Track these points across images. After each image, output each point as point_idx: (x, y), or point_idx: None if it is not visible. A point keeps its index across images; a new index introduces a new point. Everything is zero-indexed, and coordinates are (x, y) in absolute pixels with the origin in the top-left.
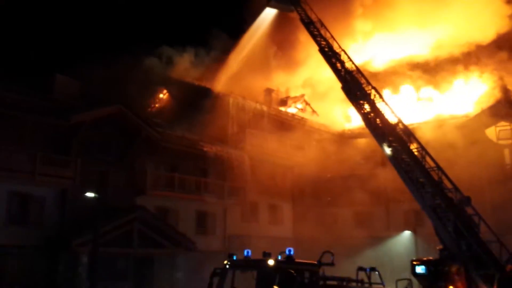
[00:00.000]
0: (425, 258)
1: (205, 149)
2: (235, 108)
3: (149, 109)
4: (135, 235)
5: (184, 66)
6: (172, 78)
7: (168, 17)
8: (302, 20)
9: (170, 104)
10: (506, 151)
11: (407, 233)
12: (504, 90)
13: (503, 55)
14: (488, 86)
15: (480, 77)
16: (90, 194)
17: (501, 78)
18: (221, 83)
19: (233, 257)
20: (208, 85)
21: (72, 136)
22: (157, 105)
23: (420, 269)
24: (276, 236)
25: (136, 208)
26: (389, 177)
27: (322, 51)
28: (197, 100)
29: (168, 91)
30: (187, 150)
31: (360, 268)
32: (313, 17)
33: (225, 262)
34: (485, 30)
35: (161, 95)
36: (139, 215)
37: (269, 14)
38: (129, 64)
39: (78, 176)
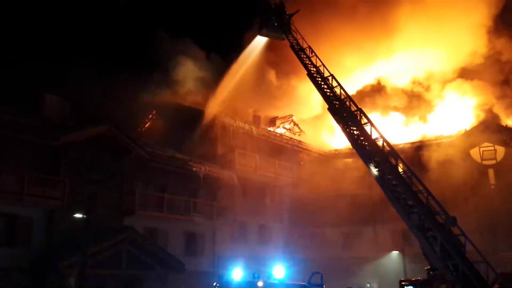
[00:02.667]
0: (413, 278)
1: (194, 169)
2: (224, 129)
3: (139, 129)
4: (124, 257)
5: (176, 87)
6: (162, 99)
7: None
8: (293, 47)
9: (160, 124)
10: (491, 172)
11: (395, 253)
12: (488, 111)
13: (486, 77)
14: (472, 107)
15: (464, 98)
16: (78, 215)
17: (486, 104)
18: (211, 105)
19: (222, 278)
20: (198, 106)
21: (61, 156)
22: (147, 125)
23: None
24: (266, 257)
25: (124, 229)
26: (376, 197)
27: (310, 75)
28: (187, 121)
29: (158, 112)
30: (177, 170)
31: None
32: (303, 44)
33: (214, 283)
34: (469, 55)
35: (151, 115)
36: (127, 236)
37: (260, 41)
38: (119, 84)
39: (66, 197)
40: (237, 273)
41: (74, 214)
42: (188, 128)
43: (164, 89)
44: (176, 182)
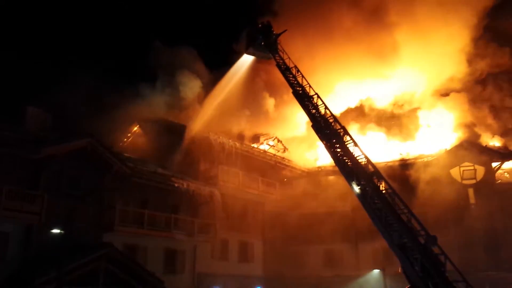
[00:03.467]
0: None
1: (176, 185)
2: (208, 145)
3: (121, 144)
4: (102, 274)
5: (159, 102)
6: (145, 114)
7: (145, 54)
8: (279, 66)
9: (143, 140)
10: (470, 191)
11: (376, 272)
12: (468, 132)
13: (468, 100)
14: (452, 128)
15: (446, 119)
16: (56, 230)
17: (467, 125)
18: (195, 120)
19: None
20: (181, 122)
21: (41, 170)
22: (129, 140)
23: None
24: (246, 275)
25: (103, 245)
26: (358, 215)
27: (295, 93)
28: (170, 136)
29: (141, 126)
30: (159, 185)
31: None
32: (290, 64)
33: None
34: (450, 78)
35: (133, 130)
36: (106, 253)
37: (247, 60)
38: (103, 97)
39: (44, 211)
40: None
41: (52, 229)
42: (171, 144)
43: (148, 104)
44: (158, 198)
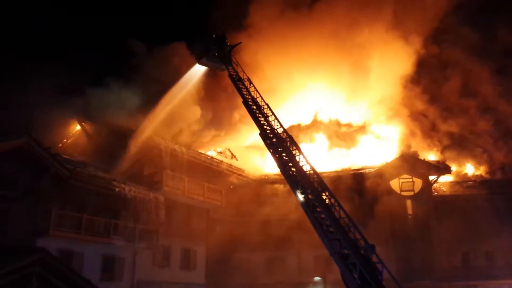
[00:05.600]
0: None
1: (117, 189)
2: (153, 149)
3: (61, 145)
4: (34, 280)
5: (103, 103)
6: (88, 115)
7: (93, 52)
8: (231, 77)
9: (84, 141)
10: (408, 202)
11: (317, 279)
12: (407, 146)
13: (410, 115)
14: (392, 141)
15: (389, 134)
16: None
17: (407, 140)
18: (140, 124)
19: None
20: (128, 126)
21: None
22: (69, 141)
23: None
24: (188, 282)
25: (37, 250)
26: (301, 223)
27: (245, 103)
28: (113, 139)
29: (83, 127)
30: (99, 189)
31: None
32: (243, 76)
33: None
34: (391, 98)
35: (75, 131)
36: (39, 258)
37: (199, 69)
38: (43, 95)
39: None
40: None
41: None
42: (115, 147)
43: (94, 105)
44: (98, 202)
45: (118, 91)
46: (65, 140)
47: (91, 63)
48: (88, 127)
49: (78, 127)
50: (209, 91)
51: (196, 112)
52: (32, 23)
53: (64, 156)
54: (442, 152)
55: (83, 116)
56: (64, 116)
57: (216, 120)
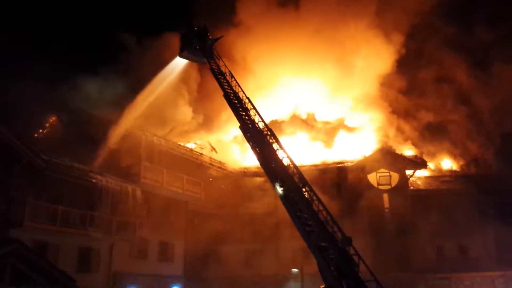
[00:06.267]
0: None
1: (94, 180)
2: (131, 140)
3: (36, 135)
4: (8, 272)
5: (82, 94)
6: (64, 104)
7: (72, 41)
8: (213, 70)
9: (61, 131)
10: (385, 196)
11: (294, 271)
12: (385, 141)
13: (385, 108)
14: (370, 136)
15: (368, 128)
16: None
17: (384, 135)
18: (119, 116)
19: None
20: (106, 117)
21: None
22: (45, 131)
23: None
24: (166, 275)
25: (10, 241)
26: (280, 215)
27: (226, 96)
28: (90, 130)
29: (59, 117)
30: (75, 181)
31: None
32: (225, 70)
33: None
34: (369, 96)
35: (51, 121)
36: (13, 249)
37: (180, 62)
38: (18, 86)
39: None
40: None
41: None
42: (92, 138)
43: (70, 95)
44: (74, 193)
45: (97, 81)
46: (40, 130)
47: (71, 53)
48: (64, 117)
49: (54, 118)
50: (202, 92)
51: (187, 113)
52: (11, 11)
53: (39, 146)
54: (418, 146)
55: (60, 106)
56: (40, 106)
57: (208, 122)
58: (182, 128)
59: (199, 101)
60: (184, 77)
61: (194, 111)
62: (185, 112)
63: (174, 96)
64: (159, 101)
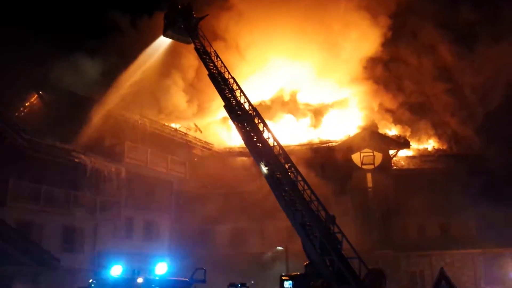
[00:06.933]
0: (293, 274)
1: (77, 160)
2: (115, 120)
3: (17, 114)
4: None
5: (63, 71)
6: (46, 82)
7: (54, 18)
8: (197, 50)
9: (43, 110)
10: (369, 175)
11: (279, 249)
12: (369, 121)
13: (369, 88)
14: (356, 116)
15: (352, 109)
16: None
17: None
18: (102, 95)
19: (99, 275)
20: (87, 95)
21: None
22: (27, 110)
23: (287, 284)
24: (151, 253)
25: None
26: (264, 195)
27: (211, 75)
28: (73, 109)
29: (41, 96)
30: (58, 160)
31: (231, 285)
32: (209, 49)
33: (91, 280)
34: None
35: (32, 99)
36: None
37: (165, 41)
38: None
39: None
40: (116, 269)
41: None
42: (75, 117)
43: (52, 74)
44: (57, 173)
45: (81, 60)
46: (22, 109)
47: (54, 31)
48: (46, 96)
49: (36, 96)
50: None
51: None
52: None
53: (20, 125)
54: (402, 126)
55: (42, 84)
56: (21, 84)
57: (203, 107)
58: (177, 113)
59: (194, 87)
60: (179, 63)
61: (189, 99)
62: (179, 98)
63: (169, 83)
64: (154, 85)
